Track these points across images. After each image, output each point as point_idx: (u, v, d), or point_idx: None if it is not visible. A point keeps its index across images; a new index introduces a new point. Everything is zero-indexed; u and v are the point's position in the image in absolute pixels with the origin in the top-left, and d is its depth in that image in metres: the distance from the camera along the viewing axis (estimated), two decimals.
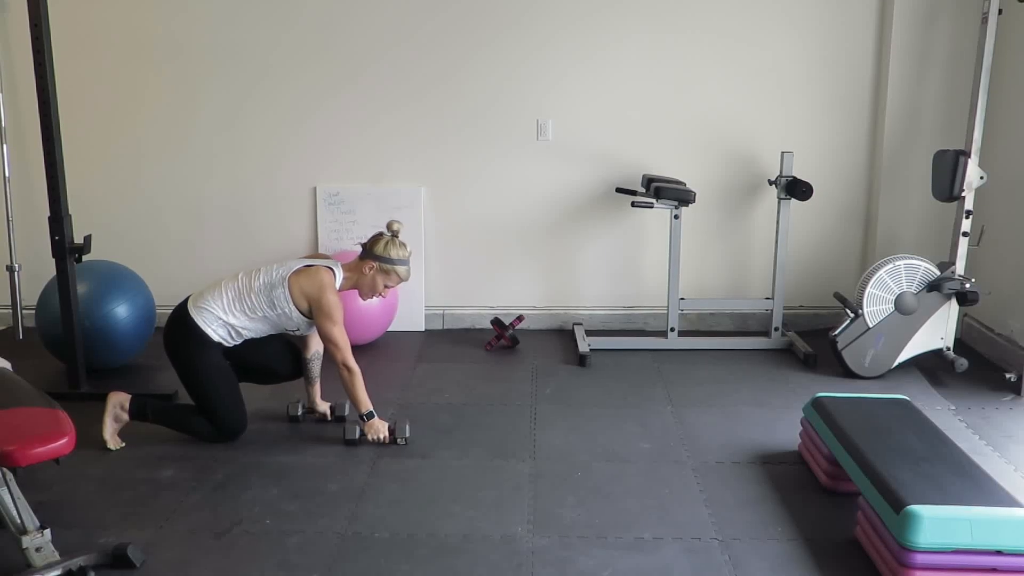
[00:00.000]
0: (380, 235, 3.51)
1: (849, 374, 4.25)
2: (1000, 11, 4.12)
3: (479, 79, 4.85)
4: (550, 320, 5.10)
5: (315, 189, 4.96)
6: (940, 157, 4.23)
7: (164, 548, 2.75)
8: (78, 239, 3.86)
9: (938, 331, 4.24)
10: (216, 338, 3.37)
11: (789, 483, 3.20)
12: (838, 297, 4.46)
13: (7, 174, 4.81)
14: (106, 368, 4.25)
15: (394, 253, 3.46)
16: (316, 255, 3.53)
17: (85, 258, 3.94)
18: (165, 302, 4.92)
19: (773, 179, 4.66)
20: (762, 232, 4.94)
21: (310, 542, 2.79)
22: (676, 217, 4.52)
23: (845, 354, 4.24)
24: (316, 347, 3.69)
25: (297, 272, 3.39)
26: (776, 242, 4.65)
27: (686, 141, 4.89)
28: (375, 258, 3.45)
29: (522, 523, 2.91)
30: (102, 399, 3.89)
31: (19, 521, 2.54)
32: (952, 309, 4.23)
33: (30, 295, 4.54)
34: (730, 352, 4.66)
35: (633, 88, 4.84)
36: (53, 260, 3.86)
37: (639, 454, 3.43)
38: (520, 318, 4.84)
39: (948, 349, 4.27)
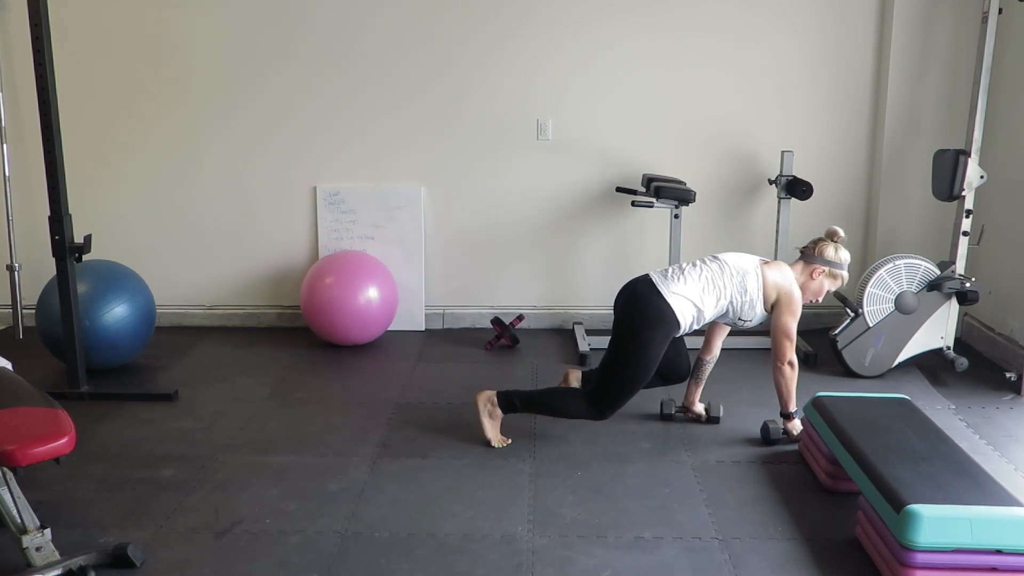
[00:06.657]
0: (825, 241, 3.52)
1: (849, 373, 4.25)
2: (1000, 11, 4.12)
3: (479, 79, 4.85)
4: (550, 319, 5.10)
5: (315, 189, 4.96)
6: (940, 157, 4.23)
7: (164, 548, 2.74)
8: (78, 239, 3.86)
9: (938, 330, 4.24)
10: (684, 325, 3.36)
11: (789, 483, 3.19)
12: (838, 296, 4.45)
13: (7, 174, 4.81)
14: (106, 368, 4.25)
15: (843, 258, 3.51)
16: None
17: (85, 258, 3.94)
18: (165, 302, 4.95)
19: (773, 178, 4.66)
20: (762, 232, 4.94)
21: (310, 542, 2.78)
22: (676, 216, 4.52)
23: (845, 353, 4.24)
24: (716, 351, 3.73)
25: (767, 264, 3.44)
26: (776, 242, 4.65)
27: (686, 140, 4.89)
28: (827, 263, 3.48)
29: (522, 523, 2.90)
30: (102, 399, 3.91)
31: (19, 521, 2.54)
32: (952, 308, 4.23)
33: (30, 295, 4.54)
34: (730, 352, 4.63)
35: (633, 88, 4.84)
36: (53, 260, 3.86)
37: (639, 454, 3.43)
38: (520, 317, 4.84)
39: (948, 348, 4.27)
